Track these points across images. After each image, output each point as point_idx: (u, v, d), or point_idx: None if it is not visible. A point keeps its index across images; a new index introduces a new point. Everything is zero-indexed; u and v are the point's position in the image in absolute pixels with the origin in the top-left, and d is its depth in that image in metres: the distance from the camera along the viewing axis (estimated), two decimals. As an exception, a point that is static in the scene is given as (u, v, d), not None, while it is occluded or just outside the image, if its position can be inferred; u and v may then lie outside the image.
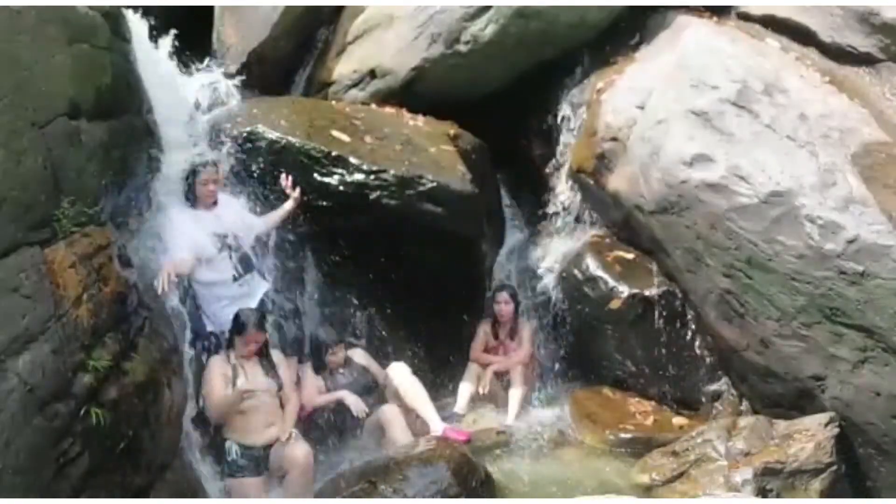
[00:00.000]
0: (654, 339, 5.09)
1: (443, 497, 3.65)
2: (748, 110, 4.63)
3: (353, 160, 5.04)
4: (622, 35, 5.86)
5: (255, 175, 4.98)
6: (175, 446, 3.68)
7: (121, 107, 4.00)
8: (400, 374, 4.86)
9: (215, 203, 4.63)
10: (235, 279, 4.58)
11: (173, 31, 5.12)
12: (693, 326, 5.05)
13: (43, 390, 2.85)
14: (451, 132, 5.65)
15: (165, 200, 4.55)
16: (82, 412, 2.98)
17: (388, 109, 5.85)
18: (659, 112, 4.99)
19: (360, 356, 4.99)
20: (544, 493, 4.15)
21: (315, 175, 5.00)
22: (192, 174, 4.59)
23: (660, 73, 5.17)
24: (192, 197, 4.58)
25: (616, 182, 5.31)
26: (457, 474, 3.75)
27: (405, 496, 3.53)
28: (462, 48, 5.78)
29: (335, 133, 5.24)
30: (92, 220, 3.42)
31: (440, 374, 5.41)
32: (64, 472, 2.89)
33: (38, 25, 3.46)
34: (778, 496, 3.93)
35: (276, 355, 4.49)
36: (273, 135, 5.05)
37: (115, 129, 3.86)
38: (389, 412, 4.63)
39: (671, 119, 4.86)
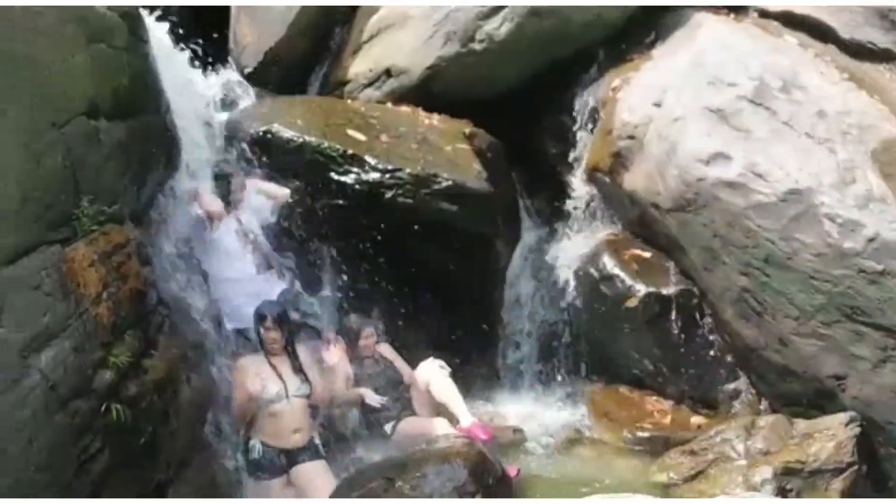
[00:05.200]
0: (671, 337, 5.06)
1: (459, 495, 3.64)
2: (766, 107, 4.60)
3: (368, 159, 5.06)
4: (638, 33, 5.83)
5: (273, 174, 4.99)
6: (195, 443, 3.71)
7: (139, 106, 4.03)
8: (430, 369, 4.84)
9: (238, 205, 4.70)
10: (258, 275, 4.62)
11: (190, 31, 5.16)
12: (711, 325, 5.03)
13: (64, 387, 2.88)
14: (467, 131, 5.65)
15: (183, 200, 4.59)
16: (103, 409, 3.00)
17: (404, 108, 5.86)
18: (675, 110, 4.96)
19: (387, 350, 4.98)
20: (561, 492, 4.13)
21: (331, 174, 5.02)
22: (222, 182, 4.64)
23: (676, 70, 5.14)
24: (226, 202, 4.64)
25: (632, 180, 5.28)
26: (473, 472, 3.74)
27: (422, 493, 3.52)
28: (477, 47, 5.78)
29: (351, 132, 5.26)
30: (111, 218, 3.45)
31: (455, 373, 5.39)
32: (85, 469, 2.92)
33: (57, 26, 3.49)
34: (798, 496, 3.90)
35: (302, 355, 4.48)
36: (289, 134, 5.07)
37: (134, 129, 3.89)
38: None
39: (688, 116, 4.83)
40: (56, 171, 3.22)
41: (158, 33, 4.76)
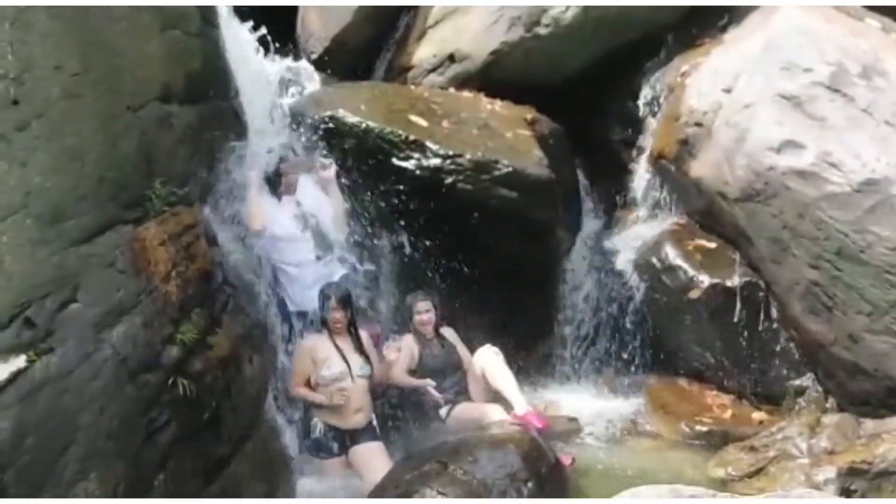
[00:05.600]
0: (734, 330, 4.95)
1: (512, 482, 3.66)
2: (843, 94, 4.41)
3: (429, 144, 5.08)
4: (710, 16, 5.67)
5: (336, 159, 5.07)
6: (255, 419, 3.82)
7: (209, 91, 4.14)
8: (486, 356, 4.85)
9: (294, 189, 4.78)
10: (318, 259, 4.72)
11: (259, 17, 5.27)
12: (777, 319, 4.89)
13: (134, 361, 2.99)
14: (529, 116, 5.61)
15: (249, 182, 4.71)
16: (170, 383, 3.11)
17: (466, 94, 5.85)
18: (746, 96, 4.81)
19: (450, 334, 5.01)
20: (614, 484, 4.09)
21: (392, 159, 5.06)
22: (275, 166, 4.74)
23: (748, 55, 4.98)
24: (276, 185, 4.73)
25: (699, 168, 5.16)
26: (526, 459, 3.75)
27: (474, 478, 3.54)
28: (542, 31, 5.71)
29: (413, 117, 5.28)
30: (181, 200, 3.56)
31: (512, 360, 5.40)
32: (152, 440, 3.04)
33: (132, 13, 3.61)
34: (862, 497, 3.77)
35: (364, 337, 4.57)
36: (352, 119, 5.13)
37: (204, 113, 4.00)
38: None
39: (759, 103, 4.68)
40: (130, 153, 3.35)
41: (228, 19, 4.87)
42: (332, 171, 4.88)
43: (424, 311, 4.83)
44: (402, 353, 4.78)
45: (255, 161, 4.65)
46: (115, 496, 2.81)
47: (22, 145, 2.87)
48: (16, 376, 2.59)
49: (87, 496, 2.71)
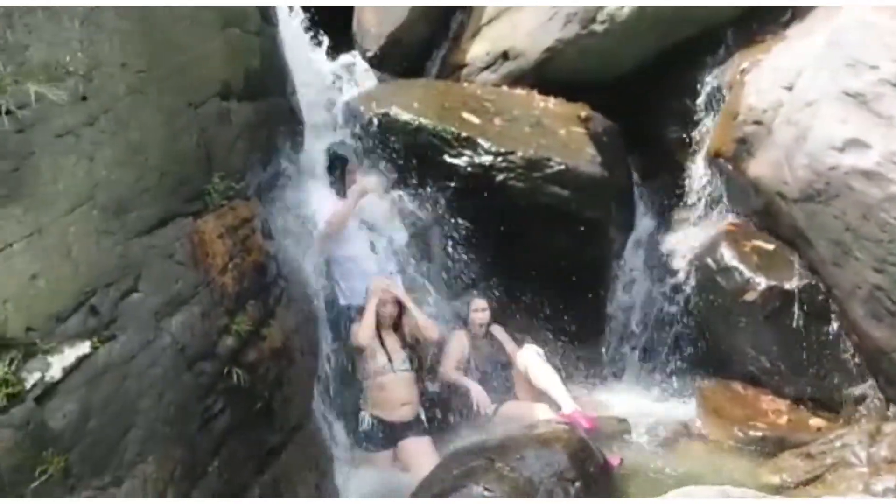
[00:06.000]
0: (792, 335, 4.82)
1: (559, 481, 3.63)
2: (911, 92, 4.25)
3: (481, 142, 5.09)
4: (771, 12, 5.53)
5: (389, 156, 5.12)
6: (306, 410, 3.88)
7: (267, 88, 4.22)
8: (528, 356, 4.85)
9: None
10: (372, 254, 4.78)
11: (317, 15, 5.35)
12: (837, 324, 4.75)
13: (192, 350, 3.07)
14: (583, 114, 5.57)
15: (306, 178, 4.80)
16: (225, 372, 3.18)
17: (519, 91, 5.84)
18: (809, 93, 4.67)
19: (499, 332, 5.03)
20: (663, 488, 4.03)
21: (444, 156, 5.09)
22: (338, 164, 4.81)
23: (811, 51, 4.83)
24: (337, 183, 4.81)
25: (757, 168, 5.04)
26: (574, 459, 3.72)
27: (521, 476, 3.53)
28: (598, 28, 5.66)
29: (465, 115, 5.30)
30: (238, 194, 3.64)
31: (562, 360, 5.37)
32: (207, 427, 3.11)
33: (195, 12, 3.70)
34: (922, 508, 3.64)
35: (412, 330, 4.60)
36: (406, 116, 5.18)
37: (262, 110, 4.08)
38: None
39: (822, 101, 4.54)
40: (191, 148, 3.43)
41: (286, 16, 4.96)
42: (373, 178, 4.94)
43: (481, 309, 4.89)
44: (452, 348, 4.82)
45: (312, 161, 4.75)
46: (171, 480, 2.88)
47: (90, 140, 2.97)
48: (81, 361, 2.69)
49: (145, 479, 2.79)
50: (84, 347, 2.72)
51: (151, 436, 2.85)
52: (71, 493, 2.57)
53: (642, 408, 5.06)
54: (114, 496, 2.67)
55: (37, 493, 2.47)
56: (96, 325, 2.79)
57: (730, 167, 5.29)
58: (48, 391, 2.57)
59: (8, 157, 2.70)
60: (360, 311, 4.64)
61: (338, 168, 4.87)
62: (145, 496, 2.77)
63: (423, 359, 4.69)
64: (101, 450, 2.68)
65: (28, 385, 2.53)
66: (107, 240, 2.91)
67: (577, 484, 3.63)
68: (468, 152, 5.07)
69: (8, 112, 2.70)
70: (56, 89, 2.85)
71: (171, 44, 3.51)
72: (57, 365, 2.62)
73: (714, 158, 5.44)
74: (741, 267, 4.99)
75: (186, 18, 3.63)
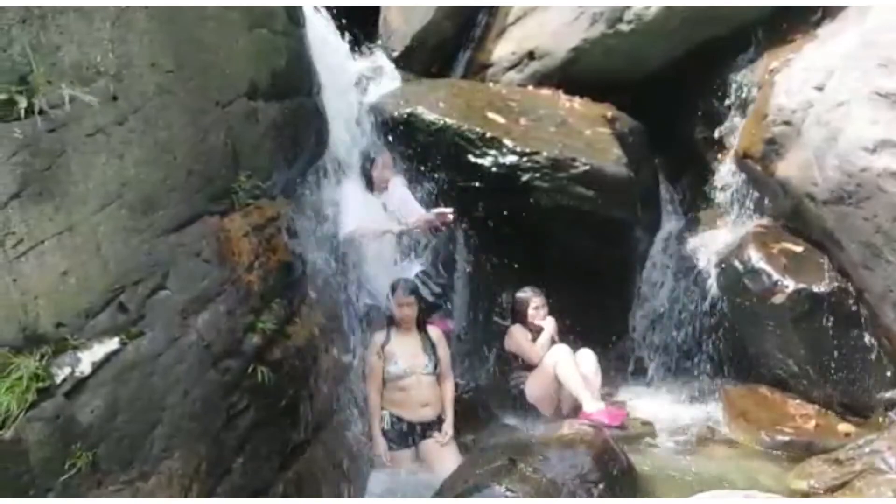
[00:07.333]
0: (821, 338, 4.75)
1: (582, 482, 3.62)
2: (946, 92, 4.16)
3: (506, 142, 5.08)
4: (802, 11, 5.44)
5: (414, 156, 5.13)
6: (330, 408, 3.90)
7: (293, 88, 4.24)
8: (557, 353, 4.83)
9: (386, 187, 4.87)
10: (399, 255, 4.79)
11: (343, 15, 5.37)
12: (868, 328, 4.67)
13: (217, 347, 3.10)
14: (608, 114, 5.54)
15: (333, 178, 4.83)
16: (250, 370, 3.21)
17: (544, 91, 5.82)
18: (840, 93, 4.60)
19: (551, 327, 5.02)
20: (689, 490, 4.00)
21: (469, 156, 5.09)
22: (369, 161, 4.83)
23: (842, 51, 4.75)
24: (368, 182, 4.83)
25: (786, 169, 4.97)
26: (598, 460, 3.70)
27: (544, 476, 3.51)
28: (624, 27, 5.62)
29: (490, 115, 5.29)
30: (265, 193, 3.67)
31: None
32: (232, 423, 3.14)
33: (222, 12, 3.73)
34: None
35: (433, 333, 4.61)
36: (431, 116, 5.18)
37: (288, 109, 4.10)
38: None
39: (853, 101, 4.46)
40: (218, 147, 3.46)
41: (311, 15, 4.99)
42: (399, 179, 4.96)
43: (542, 304, 4.94)
44: (527, 339, 4.91)
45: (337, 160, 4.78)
46: (196, 476, 2.92)
47: (120, 139, 3.01)
48: (109, 357, 2.73)
49: (170, 474, 2.82)
50: (113, 343, 2.76)
51: (177, 432, 2.88)
52: (98, 487, 2.61)
53: (668, 410, 5.02)
54: (140, 491, 2.71)
55: (65, 486, 2.51)
56: (125, 321, 2.82)
57: (758, 168, 5.22)
58: (77, 386, 2.62)
59: (40, 155, 2.74)
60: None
61: (367, 164, 4.89)
62: (171, 491, 2.80)
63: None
64: (127, 445, 2.72)
65: (58, 380, 2.57)
66: (135, 237, 2.95)
67: (601, 486, 3.61)
68: (493, 152, 5.06)
69: (41, 112, 2.74)
70: (87, 92, 2.89)
71: (199, 44, 3.54)
72: (86, 360, 2.66)
73: (742, 159, 5.37)
74: (769, 269, 4.92)
75: (214, 19, 3.66)
